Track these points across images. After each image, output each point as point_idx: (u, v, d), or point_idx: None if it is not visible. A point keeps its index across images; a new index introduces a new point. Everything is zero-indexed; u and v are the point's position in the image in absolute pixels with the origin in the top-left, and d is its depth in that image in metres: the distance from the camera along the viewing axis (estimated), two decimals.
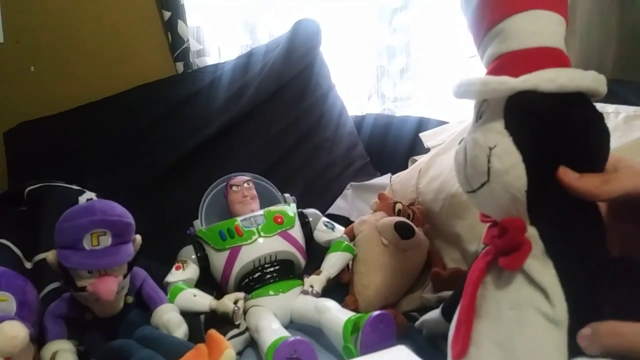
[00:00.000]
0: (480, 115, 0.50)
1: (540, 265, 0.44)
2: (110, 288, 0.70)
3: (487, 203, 0.50)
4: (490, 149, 0.46)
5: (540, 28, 0.47)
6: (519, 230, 0.46)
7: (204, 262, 0.95)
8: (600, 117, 0.46)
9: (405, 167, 1.31)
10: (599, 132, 0.45)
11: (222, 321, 0.81)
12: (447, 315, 0.65)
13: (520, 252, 0.45)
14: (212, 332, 0.69)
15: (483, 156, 0.47)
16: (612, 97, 0.61)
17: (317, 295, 0.88)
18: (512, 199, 0.46)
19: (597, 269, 0.42)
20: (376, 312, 0.73)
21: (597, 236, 0.45)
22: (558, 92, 0.44)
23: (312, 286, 0.89)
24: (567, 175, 0.44)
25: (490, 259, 0.49)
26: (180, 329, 0.78)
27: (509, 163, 0.45)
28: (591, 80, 0.45)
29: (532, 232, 0.46)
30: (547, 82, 0.44)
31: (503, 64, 0.48)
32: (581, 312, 0.41)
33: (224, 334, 0.74)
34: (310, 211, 1.06)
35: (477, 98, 0.51)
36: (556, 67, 0.45)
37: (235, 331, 0.80)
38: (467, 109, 0.56)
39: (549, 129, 0.44)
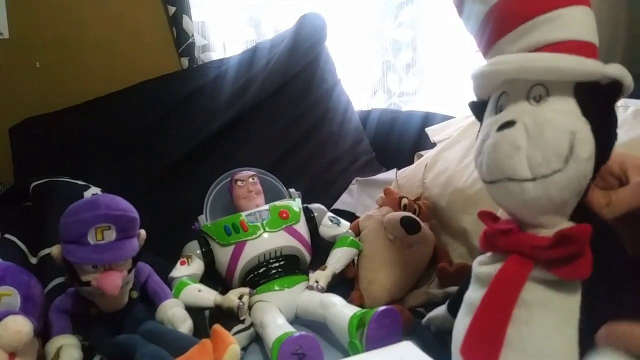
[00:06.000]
0: (500, 109, 0.47)
1: None
2: (115, 283, 0.70)
3: (541, 197, 0.43)
4: (574, 134, 0.42)
5: (592, 23, 0.46)
6: (587, 239, 0.41)
7: (209, 258, 0.95)
8: None
9: (411, 162, 1.30)
10: None
11: (227, 317, 0.81)
12: (454, 312, 0.64)
13: (585, 258, 0.41)
14: (217, 327, 0.69)
15: (565, 140, 0.42)
16: None
17: (323, 291, 0.87)
18: (577, 194, 0.43)
19: (619, 266, 0.42)
20: (382, 308, 0.72)
21: (615, 236, 0.44)
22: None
23: (317, 282, 0.88)
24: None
25: (531, 270, 0.44)
26: (185, 325, 0.78)
27: (590, 152, 0.42)
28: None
29: None
30: (627, 77, 0.43)
31: (565, 51, 0.44)
32: (597, 308, 0.41)
33: (229, 330, 0.75)
34: (316, 206, 1.05)
35: (567, 78, 0.44)
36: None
37: (240, 327, 0.79)
38: None
39: (615, 121, 0.44)
